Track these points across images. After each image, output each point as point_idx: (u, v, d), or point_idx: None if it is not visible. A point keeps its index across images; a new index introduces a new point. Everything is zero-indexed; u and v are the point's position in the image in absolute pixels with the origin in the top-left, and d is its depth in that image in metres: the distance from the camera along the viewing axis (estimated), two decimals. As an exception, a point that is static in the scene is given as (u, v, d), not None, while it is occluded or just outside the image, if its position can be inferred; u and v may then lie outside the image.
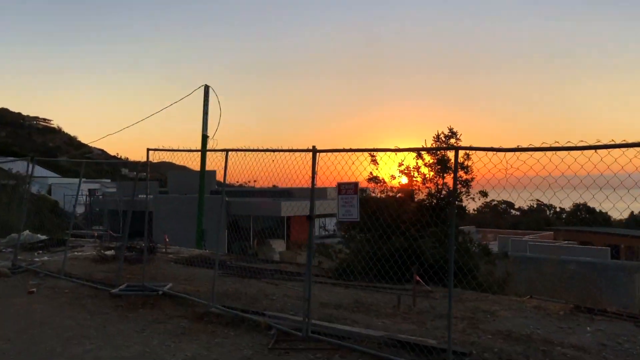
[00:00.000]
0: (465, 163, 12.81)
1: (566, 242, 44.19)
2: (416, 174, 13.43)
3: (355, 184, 7.05)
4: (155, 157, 10.08)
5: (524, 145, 5.49)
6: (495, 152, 5.79)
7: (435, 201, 13.22)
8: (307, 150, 7.38)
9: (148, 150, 10.13)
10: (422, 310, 8.97)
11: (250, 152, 8.69)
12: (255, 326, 7.83)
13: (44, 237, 17.31)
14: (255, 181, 11.44)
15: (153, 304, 9.34)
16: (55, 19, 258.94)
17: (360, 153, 7.23)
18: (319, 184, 9.06)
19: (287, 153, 8.09)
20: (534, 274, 16.10)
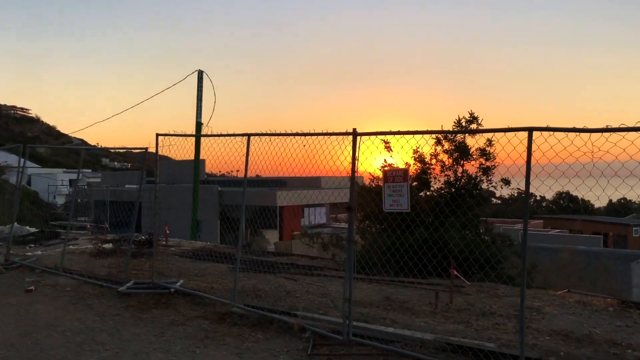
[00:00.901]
0: (488, 149, 12.17)
1: (557, 230, 44.00)
2: (434, 161, 12.74)
3: (405, 171, 6.32)
4: (165, 143, 9.25)
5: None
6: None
7: (453, 190, 12.56)
8: (347, 134, 6.63)
9: (157, 135, 9.30)
10: (460, 307, 8.31)
11: (275, 137, 7.93)
12: (287, 328, 7.10)
13: (33, 229, 16.35)
14: (238, 171, 10.56)
15: (166, 303, 8.56)
16: (32, 4, 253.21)
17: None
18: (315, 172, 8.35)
19: (316, 137, 7.36)
20: (549, 265, 15.58)
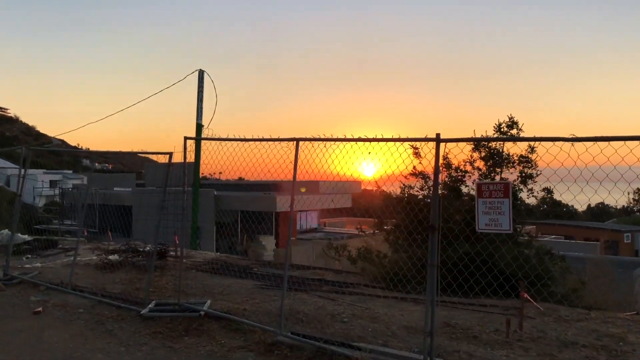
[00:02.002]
0: (530, 156, 11.33)
1: (554, 236, 43.49)
2: (469, 168, 11.86)
3: (506, 185, 5.40)
4: (192, 147, 8.22)
5: None
6: None
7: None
8: (430, 140, 5.69)
9: (185, 138, 8.28)
10: (532, 335, 7.41)
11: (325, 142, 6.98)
12: (351, 364, 6.14)
13: (27, 237, 15.14)
14: (220, 173, 9.65)
15: (198, 329, 7.53)
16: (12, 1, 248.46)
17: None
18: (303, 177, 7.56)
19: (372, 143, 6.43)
20: (578, 277, 14.70)
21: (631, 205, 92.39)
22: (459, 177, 12.07)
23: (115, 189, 37.70)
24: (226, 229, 29.69)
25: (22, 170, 10.89)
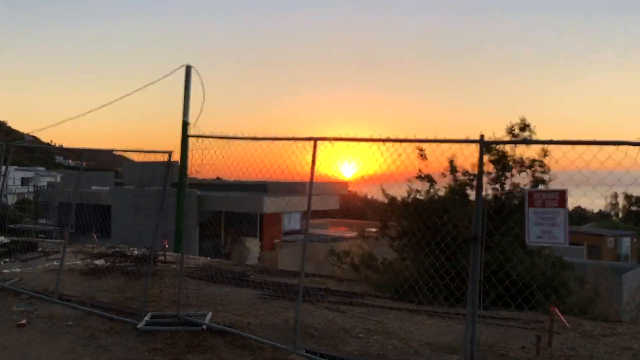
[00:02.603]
0: (544, 160, 10.85)
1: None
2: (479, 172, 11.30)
3: (562, 193, 4.87)
4: (199, 146, 7.54)
5: None
6: None
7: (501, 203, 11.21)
8: (473, 141, 5.15)
9: (188, 136, 7.63)
10: (562, 352, 6.91)
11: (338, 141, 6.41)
12: (379, 389, 5.56)
13: (4, 239, 14.27)
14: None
15: (202, 345, 6.88)
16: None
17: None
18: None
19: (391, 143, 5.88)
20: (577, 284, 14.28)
21: (608, 209, 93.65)
22: (468, 182, 11.53)
23: (93, 187, 36.54)
24: (209, 229, 28.87)
25: (3, 168, 10.09)
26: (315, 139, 6.52)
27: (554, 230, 4.80)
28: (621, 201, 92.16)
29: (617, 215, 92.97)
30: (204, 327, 7.36)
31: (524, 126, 11.15)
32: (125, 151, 8.70)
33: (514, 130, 10.92)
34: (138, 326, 7.38)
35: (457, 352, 6.80)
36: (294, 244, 30.60)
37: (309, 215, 6.88)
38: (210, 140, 7.48)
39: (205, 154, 7.52)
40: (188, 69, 21.42)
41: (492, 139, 5.22)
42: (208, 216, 28.78)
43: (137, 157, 8.36)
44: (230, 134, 7.31)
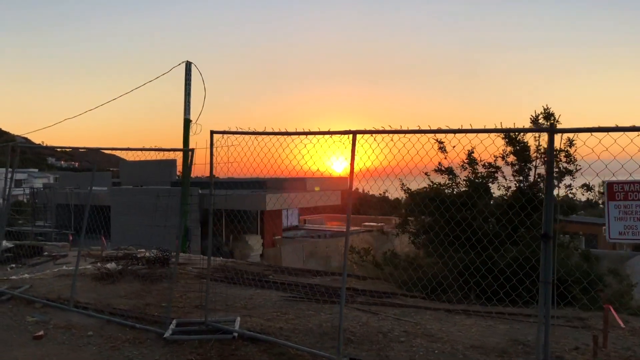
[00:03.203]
0: (570, 150, 10.45)
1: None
2: (501, 164, 10.94)
3: (647, 184, 4.44)
4: (223, 143, 7.07)
5: None
6: None
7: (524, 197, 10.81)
8: (543, 130, 4.72)
9: (212, 132, 7.15)
10: (619, 353, 6.51)
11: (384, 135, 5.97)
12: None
13: (9, 244, 13.75)
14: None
15: (234, 354, 6.42)
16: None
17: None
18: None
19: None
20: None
21: (597, 198, 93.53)
22: (490, 173, 11.15)
23: (94, 188, 35.89)
24: (216, 230, 28.37)
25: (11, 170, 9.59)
26: (354, 132, 6.08)
27: (638, 225, 4.38)
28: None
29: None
30: (235, 334, 6.92)
31: (548, 115, 10.75)
32: (141, 150, 8.17)
33: (538, 119, 10.52)
34: (165, 335, 6.92)
35: (508, 354, 6.39)
36: (294, 240, 30.19)
37: (349, 215, 6.41)
38: (237, 136, 7.02)
39: (232, 151, 7.05)
40: (188, 65, 20.87)
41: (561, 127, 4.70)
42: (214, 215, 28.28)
43: (154, 156, 7.92)
44: (259, 130, 6.85)
